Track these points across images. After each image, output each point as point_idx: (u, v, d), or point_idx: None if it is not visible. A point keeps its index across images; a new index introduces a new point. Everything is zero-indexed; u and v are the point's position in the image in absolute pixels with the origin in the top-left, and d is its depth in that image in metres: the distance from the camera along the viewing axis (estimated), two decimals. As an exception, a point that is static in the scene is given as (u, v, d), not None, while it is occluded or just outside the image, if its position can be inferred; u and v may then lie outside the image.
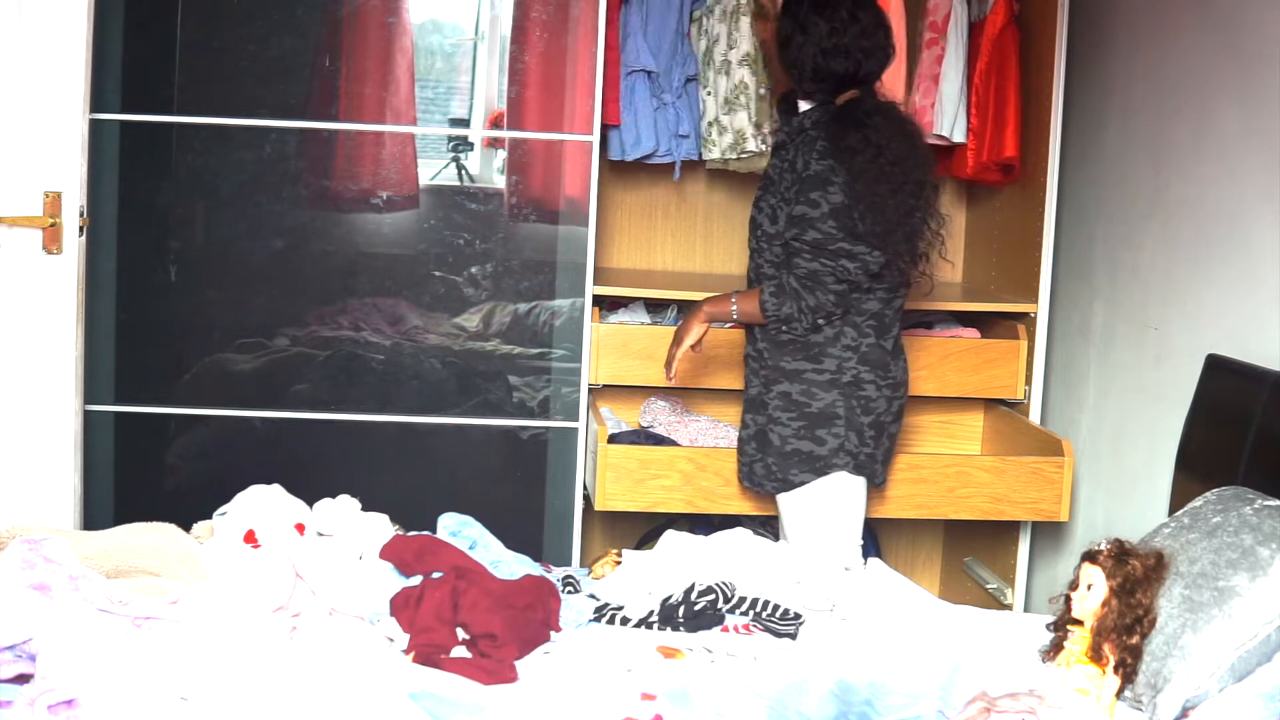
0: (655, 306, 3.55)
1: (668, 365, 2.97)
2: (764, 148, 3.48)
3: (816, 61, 2.81)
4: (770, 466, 2.91)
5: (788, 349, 2.86)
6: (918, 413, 3.52)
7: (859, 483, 2.91)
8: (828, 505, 2.90)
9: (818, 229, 2.75)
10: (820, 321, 2.81)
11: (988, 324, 3.56)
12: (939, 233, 2.87)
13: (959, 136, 3.52)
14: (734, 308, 2.88)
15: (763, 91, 3.46)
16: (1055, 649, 2.20)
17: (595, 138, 3.24)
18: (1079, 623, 2.17)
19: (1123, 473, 3.18)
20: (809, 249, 2.77)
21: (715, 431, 3.42)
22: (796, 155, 2.82)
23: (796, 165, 2.81)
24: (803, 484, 2.89)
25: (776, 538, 3.37)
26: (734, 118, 3.47)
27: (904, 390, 2.95)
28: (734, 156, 3.49)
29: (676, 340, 2.94)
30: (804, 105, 2.89)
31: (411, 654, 2.13)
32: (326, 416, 3.29)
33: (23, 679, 1.90)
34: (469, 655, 2.15)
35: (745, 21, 3.48)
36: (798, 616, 2.43)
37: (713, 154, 3.51)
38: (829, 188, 2.74)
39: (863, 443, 2.87)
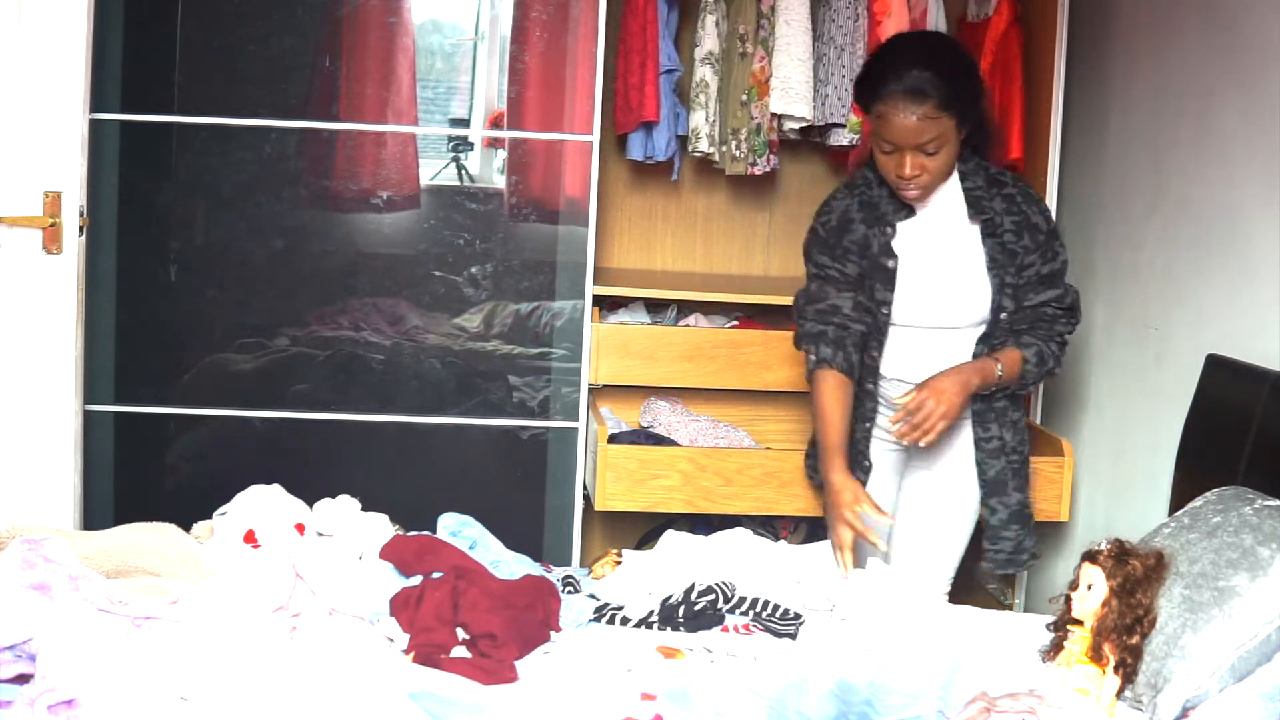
0: (655, 306, 3.56)
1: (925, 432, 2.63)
2: (714, 150, 3.51)
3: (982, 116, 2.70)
4: (1022, 542, 2.85)
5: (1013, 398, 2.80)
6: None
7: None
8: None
9: (1063, 286, 2.73)
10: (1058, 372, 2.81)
11: (988, 324, 3.56)
12: None
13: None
14: (999, 370, 2.68)
15: (744, 98, 3.46)
16: (1055, 649, 2.20)
17: (595, 138, 3.24)
18: (1079, 623, 2.17)
19: (1123, 473, 3.18)
20: (1065, 314, 2.74)
21: (715, 431, 3.43)
22: (1023, 208, 2.68)
23: (1033, 220, 2.68)
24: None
25: (776, 538, 3.37)
26: (693, 115, 3.50)
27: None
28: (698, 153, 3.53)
29: (940, 415, 2.62)
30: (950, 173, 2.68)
31: (411, 654, 2.13)
32: (326, 416, 3.29)
33: (23, 679, 1.90)
34: (469, 655, 2.15)
35: (711, 20, 3.49)
36: (798, 616, 2.43)
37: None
38: (1060, 240, 2.74)
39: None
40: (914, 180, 2.60)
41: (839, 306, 2.72)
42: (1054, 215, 3.38)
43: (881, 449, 2.85)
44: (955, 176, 2.69)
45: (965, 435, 2.78)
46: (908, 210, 2.70)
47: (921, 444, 2.64)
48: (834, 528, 2.63)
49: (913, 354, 2.74)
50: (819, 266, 2.76)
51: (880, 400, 2.81)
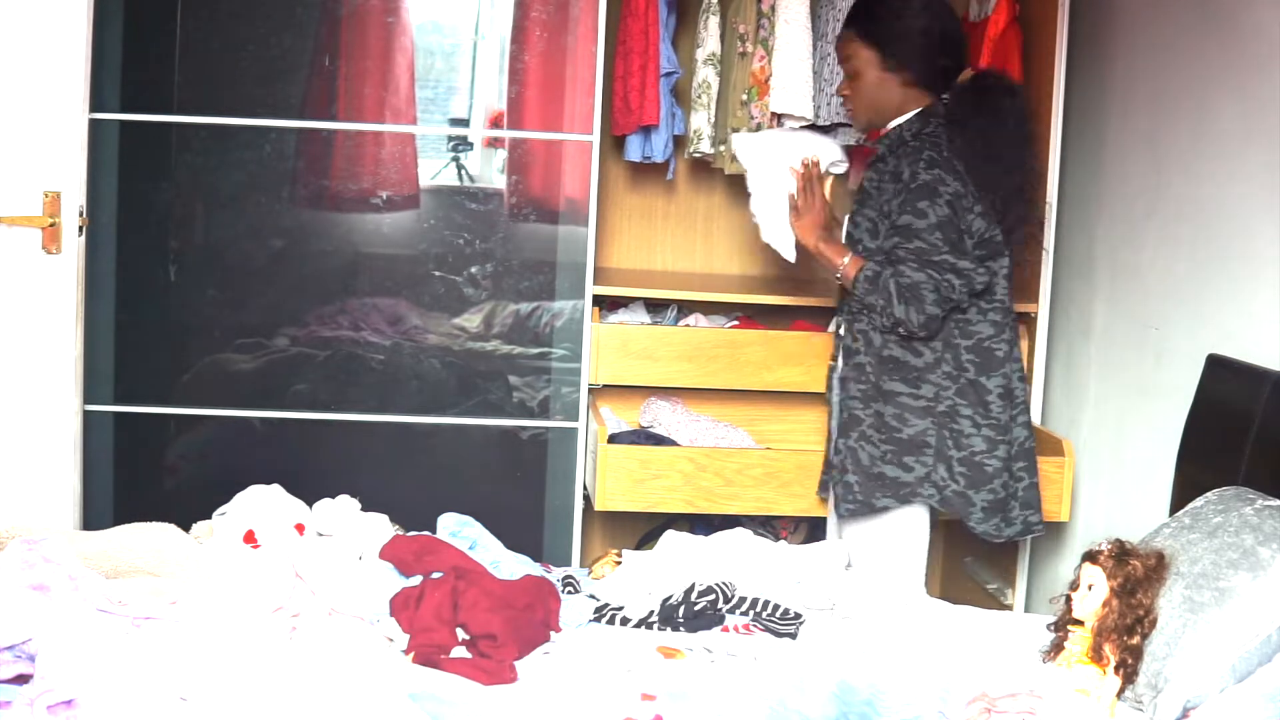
0: (655, 306, 3.55)
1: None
2: (715, 150, 3.52)
3: (927, 60, 2.83)
4: (852, 486, 2.84)
5: (890, 368, 2.81)
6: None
7: (925, 515, 2.85)
8: (892, 531, 2.84)
9: (923, 239, 2.72)
10: (901, 332, 2.77)
11: (988, 324, 3.56)
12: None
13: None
14: (845, 261, 2.83)
15: (744, 97, 3.46)
16: (1055, 649, 2.20)
17: (595, 138, 3.24)
18: (1079, 623, 2.17)
19: (1123, 473, 3.18)
20: (914, 258, 2.73)
21: (715, 431, 3.42)
22: (901, 166, 2.79)
23: (902, 176, 2.77)
24: (882, 510, 2.83)
25: (776, 538, 3.37)
26: (694, 116, 3.50)
27: (1011, 435, 2.82)
28: (695, 154, 3.54)
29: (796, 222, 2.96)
30: (896, 120, 2.88)
31: (411, 654, 2.13)
32: (326, 416, 3.29)
33: (22, 679, 1.90)
34: (469, 655, 2.15)
35: (713, 21, 3.49)
36: (798, 616, 2.43)
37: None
38: (936, 199, 2.72)
39: (952, 477, 2.79)
40: (845, 99, 2.97)
41: None
42: (1054, 215, 3.40)
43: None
44: (900, 121, 2.88)
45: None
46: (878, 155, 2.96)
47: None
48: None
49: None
50: None
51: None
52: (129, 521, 2.47)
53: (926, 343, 2.78)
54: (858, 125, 2.99)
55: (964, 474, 2.78)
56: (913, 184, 2.74)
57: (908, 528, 2.84)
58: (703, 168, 3.78)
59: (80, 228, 2.94)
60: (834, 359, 3.05)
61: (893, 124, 2.88)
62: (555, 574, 2.61)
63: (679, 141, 3.60)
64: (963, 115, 2.80)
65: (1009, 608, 3.40)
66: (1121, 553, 2.16)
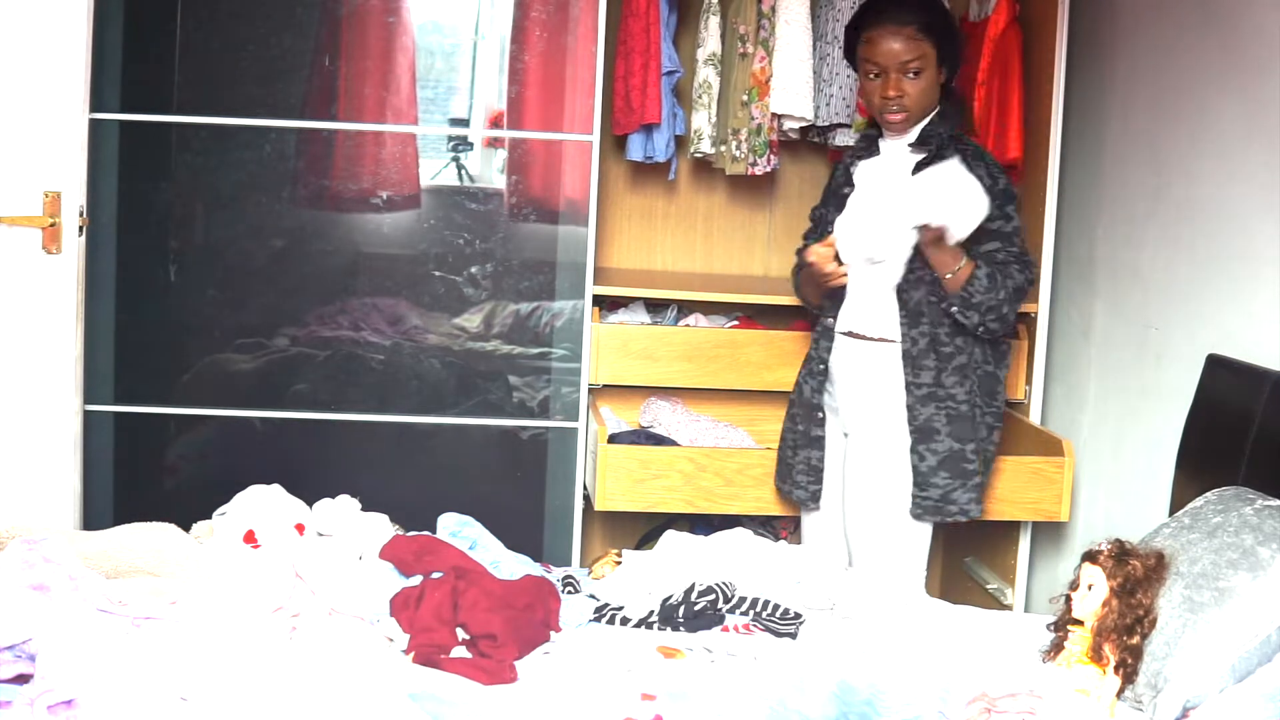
0: (655, 306, 3.55)
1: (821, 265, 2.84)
2: (716, 150, 3.52)
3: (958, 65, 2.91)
4: (980, 488, 2.91)
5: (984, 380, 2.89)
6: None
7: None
8: (901, 533, 2.88)
9: (1018, 244, 2.81)
10: (982, 334, 2.83)
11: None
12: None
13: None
14: (961, 265, 2.74)
15: (745, 98, 3.46)
16: (1055, 649, 2.20)
17: (595, 138, 3.24)
18: (1079, 623, 2.17)
19: (1123, 473, 3.18)
20: (1016, 262, 2.79)
21: (715, 431, 3.42)
22: (970, 162, 2.77)
23: (978, 175, 2.74)
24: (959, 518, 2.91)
25: (776, 538, 3.37)
26: (694, 116, 3.50)
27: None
28: (696, 154, 3.54)
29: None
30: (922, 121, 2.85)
31: (411, 654, 2.13)
32: (326, 416, 3.29)
33: (22, 679, 1.90)
34: (469, 655, 2.15)
35: (714, 21, 3.49)
36: (798, 616, 2.43)
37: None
38: (1013, 203, 2.81)
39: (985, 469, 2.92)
40: (897, 101, 2.79)
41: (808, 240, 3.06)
42: (1054, 215, 3.40)
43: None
44: (926, 121, 2.84)
45: (898, 405, 2.85)
46: (873, 150, 2.92)
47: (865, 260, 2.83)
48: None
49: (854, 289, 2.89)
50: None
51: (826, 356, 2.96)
52: (129, 521, 2.47)
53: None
54: (904, 127, 2.84)
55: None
56: (995, 187, 2.77)
57: (913, 527, 2.85)
58: (703, 168, 3.78)
59: (80, 228, 2.94)
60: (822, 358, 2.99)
61: (921, 125, 2.86)
62: (555, 574, 2.61)
63: (680, 141, 3.60)
64: (956, 116, 2.90)
65: (1009, 608, 3.40)
66: (1121, 553, 2.16)
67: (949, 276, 2.75)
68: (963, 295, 2.75)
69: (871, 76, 2.82)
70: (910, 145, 2.85)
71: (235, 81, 3.19)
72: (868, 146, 2.97)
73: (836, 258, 2.82)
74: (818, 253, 2.82)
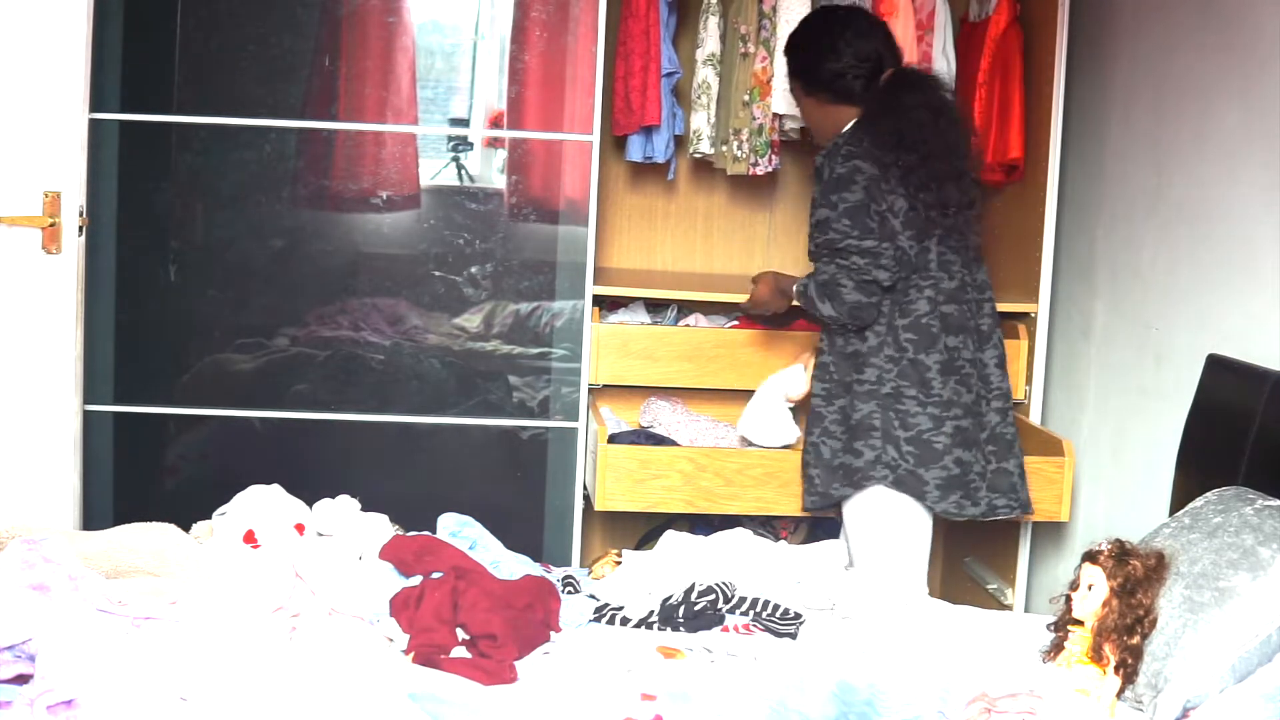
0: (655, 306, 3.55)
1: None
2: (715, 150, 3.53)
3: (834, 83, 2.93)
4: (814, 480, 2.91)
5: (846, 361, 2.88)
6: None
7: (904, 500, 2.83)
8: (872, 520, 2.85)
9: (833, 229, 2.79)
10: (848, 328, 2.85)
11: (988, 324, 3.56)
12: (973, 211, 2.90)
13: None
14: (795, 288, 2.96)
15: (746, 98, 3.46)
16: (1055, 649, 2.20)
17: (595, 138, 3.24)
18: (1079, 623, 2.16)
19: (1123, 473, 3.18)
20: (825, 251, 2.82)
21: (715, 431, 3.42)
22: (824, 168, 2.86)
23: (824, 175, 2.85)
24: (842, 498, 2.87)
25: (776, 538, 3.37)
26: (694, 116, 3.50)
27: (960, 411, 2.83)
28: (696, 154, 3.55)
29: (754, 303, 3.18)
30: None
31: (411, 654, 2.13)
32: (326, 416, 3.29)
33: (22, 679, 1.90)
34: (469, 655, 2.15)
35: (713, 21, 3.49)
36: (798, 616, 2.43)
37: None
38: (851, 187, 2.79)
39: (902, 457, 2.81)
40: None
41: None
42: (1054, 215, 3.39)
43: None
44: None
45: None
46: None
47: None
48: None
49: None
50: None
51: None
52: (129, 521, 2.47)
53: (871, 329, 2.84)
54: (819, 141, 3.04)
55: (912, 453, 2.81)
56: (829, 178, 2.82)
57: (907, 526, 2.84)
58: (703, 168, 3.78)
59: (80, 228, 2.94)
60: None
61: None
62: (555, 574, 2.61)
63: (680, 142, 3.60)
64: (872, 114, 2.87)
65: (1009, 608, 3.40)
66: (1121, 553, 2.16)
67: (796, 305, 2.99)
68: (799, 299, 2.95)
69: None
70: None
71: (235, 81, 3.19)
72: None
73: None
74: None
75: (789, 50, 3.02)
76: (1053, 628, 2.25)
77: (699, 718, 1.98)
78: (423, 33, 3.31)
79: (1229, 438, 2.52)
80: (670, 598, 2.44)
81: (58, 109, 2.89)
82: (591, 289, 3.28)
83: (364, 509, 2.65)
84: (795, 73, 2.99)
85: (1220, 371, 2.64)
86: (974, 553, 3.67)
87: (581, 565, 3.27)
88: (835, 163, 2.83)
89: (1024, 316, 3.45)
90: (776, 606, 2.45)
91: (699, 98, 3.50)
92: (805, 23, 3.03)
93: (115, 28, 3.06)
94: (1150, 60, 3.14)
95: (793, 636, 2.37)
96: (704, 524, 3.39)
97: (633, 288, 3.44)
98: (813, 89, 2.95)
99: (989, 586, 3.53)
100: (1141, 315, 3.12)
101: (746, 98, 3.48)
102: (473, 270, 3.30)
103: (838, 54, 2.90)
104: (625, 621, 2.40)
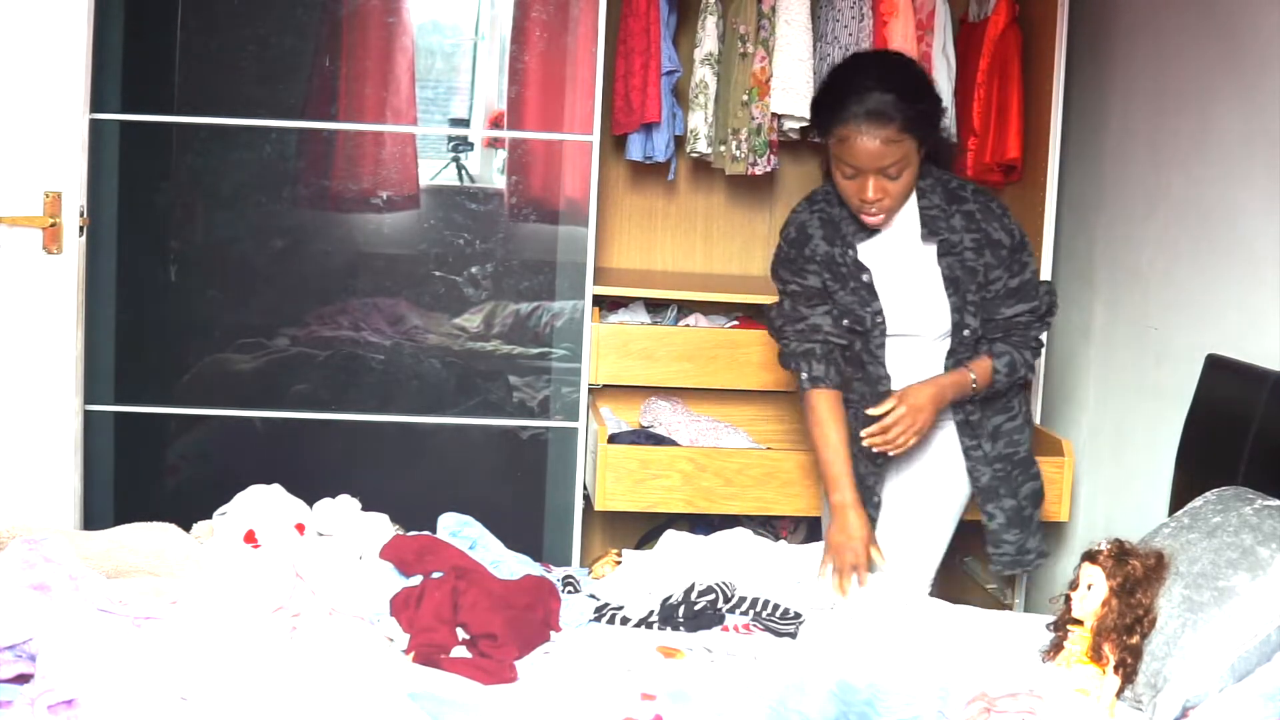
0: (655, 306, 3.56)
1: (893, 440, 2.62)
2: (712, 151, 3.53)
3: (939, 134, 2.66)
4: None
5: (994, 405, 2.76)
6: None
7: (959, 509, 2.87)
8: (932, 527, 2.84)
9: (1037, 294, 2.70)
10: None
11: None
12: None
13: (950, 133, 3.53)
14: (973, 380, 2.65)
15: (745, 98, 3.47)
16: (1055, 649, 2.20)
17: (595, 138, 3.24)
18: (1079, 623, 2.17)
19: (1123, 473, 3.18)
20: (1036, 318, 2.70)
21: (716, 431, 3.43)
22: (981, 226, 2.61)
23: (996, 238, 2.61)
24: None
25: (776, 538, 3.37)
26: (691, 116, 3.50)
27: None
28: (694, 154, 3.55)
29: (912, 428, 2.61)
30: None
31: (411, 654, 2.13)
32: (326, 416, 3.29)
33: (23, 679, 1.90)
34: (469, 655, 2.15)
35: (711, 21, 3.50)
36: (798, 616, 2.43)
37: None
38: (1028, 252, 2.70)
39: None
40: (876, 204, 2.56)
41: (819, 326, 2.70)
42: (1054, 216, 3.40)
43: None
44: (914, 195, 2.64)
45: (947, 434, 2.77)
46: (868, 230, 2.65)
47: (891, 454, 2.65)
48: (838, 556, 2.60)
49: (891, 366, 2.72)
50: (783, 282, 2.75)
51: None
52: (129, 521, 2.47)
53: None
54: (886, 221, 2.62)
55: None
56: (1013, 242, 2.63)
57: (946, 522, 2.83)
58: (703, 168, 3.78)
59: (81, 228, 2.94)
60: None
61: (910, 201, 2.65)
62: (555, 574, 2.61)
63: (680, 141, 3.60)
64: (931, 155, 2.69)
65: (1009, 608, 3.40)
66: (1121, 552, 2.16)
67: (974, 392, 2.67)
68: (994, 386, 2.68)
69: (846, 175, 2.56)
70: (922, 237, 2.64)
71: (235, 81, 3.19)
72: (860, 228, 2.65)
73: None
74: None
75: (913, 100, 2.53)
76: (1052, 627, 2.25)
77: (699, 718, 1.98)
78: (423, 33, 3.31)
79: (1228, 437, 2.52)
80: (670, 597, 2.44)
81: (58, 109, 2.89)
82: (591, 289, 3.28)
83: (364, 509, 2.65)
84: (929, 123, 2.57)
85: (1220, 371, 2.65)
86: (974, 553, 3.68)
87: (581, 565, 3.27)
88: (1003, 221, 2.63)
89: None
90: (776, 606, 2.45)
91: (696, 97, 3.50)
92: (910, 71, 2.64)
93: (115, 28, 3.06)
94: (1150, 60, 3.14)
95: (793, 636, 2.37)
96: (704, 524, 3.40)
97: (633, 288, 3.45)
98: (927, 143, 2.59)
99: (989, 586, 3.53)
100: (1141, 315, 3.12)
101: (745, 98, 3.48)
102: (473, 270, 3.30)
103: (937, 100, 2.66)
104: (625, 621, 2.40)
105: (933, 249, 2.64)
